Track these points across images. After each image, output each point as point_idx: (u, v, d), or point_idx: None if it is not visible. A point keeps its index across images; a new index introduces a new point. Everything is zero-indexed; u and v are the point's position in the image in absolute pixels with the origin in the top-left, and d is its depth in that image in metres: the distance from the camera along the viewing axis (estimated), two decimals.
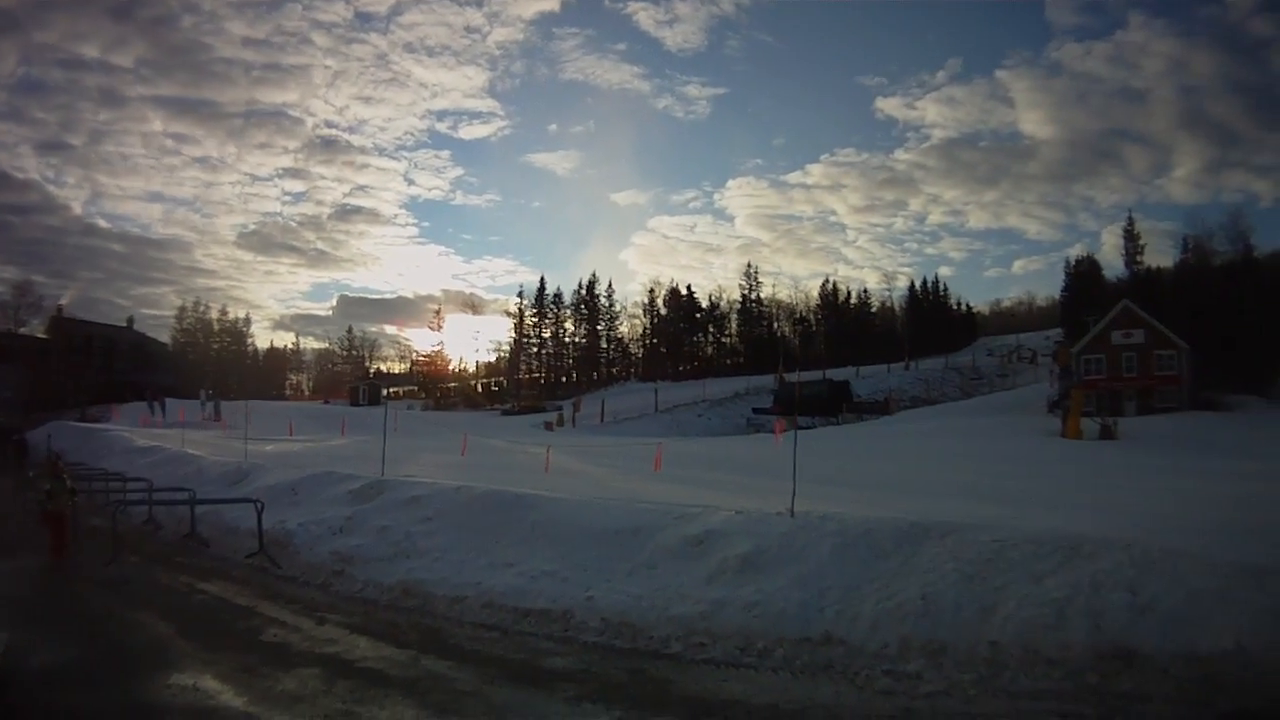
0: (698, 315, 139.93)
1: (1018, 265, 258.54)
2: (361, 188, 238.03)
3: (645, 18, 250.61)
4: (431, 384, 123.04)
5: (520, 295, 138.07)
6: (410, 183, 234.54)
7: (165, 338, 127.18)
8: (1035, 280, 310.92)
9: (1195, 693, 7.60)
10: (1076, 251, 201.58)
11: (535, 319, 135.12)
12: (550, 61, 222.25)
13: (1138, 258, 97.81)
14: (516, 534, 13.78)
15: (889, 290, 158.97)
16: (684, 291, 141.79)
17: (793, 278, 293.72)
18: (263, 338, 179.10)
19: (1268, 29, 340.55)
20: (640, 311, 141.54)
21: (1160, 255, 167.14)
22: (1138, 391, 63.73)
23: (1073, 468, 29.63)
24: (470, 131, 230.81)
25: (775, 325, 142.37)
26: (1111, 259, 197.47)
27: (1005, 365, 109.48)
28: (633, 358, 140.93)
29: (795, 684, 8.55)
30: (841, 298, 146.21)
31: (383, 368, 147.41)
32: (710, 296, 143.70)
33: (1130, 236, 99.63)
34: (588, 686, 8.60)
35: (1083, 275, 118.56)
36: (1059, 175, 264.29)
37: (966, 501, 16.97)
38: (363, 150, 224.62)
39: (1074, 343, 70.34)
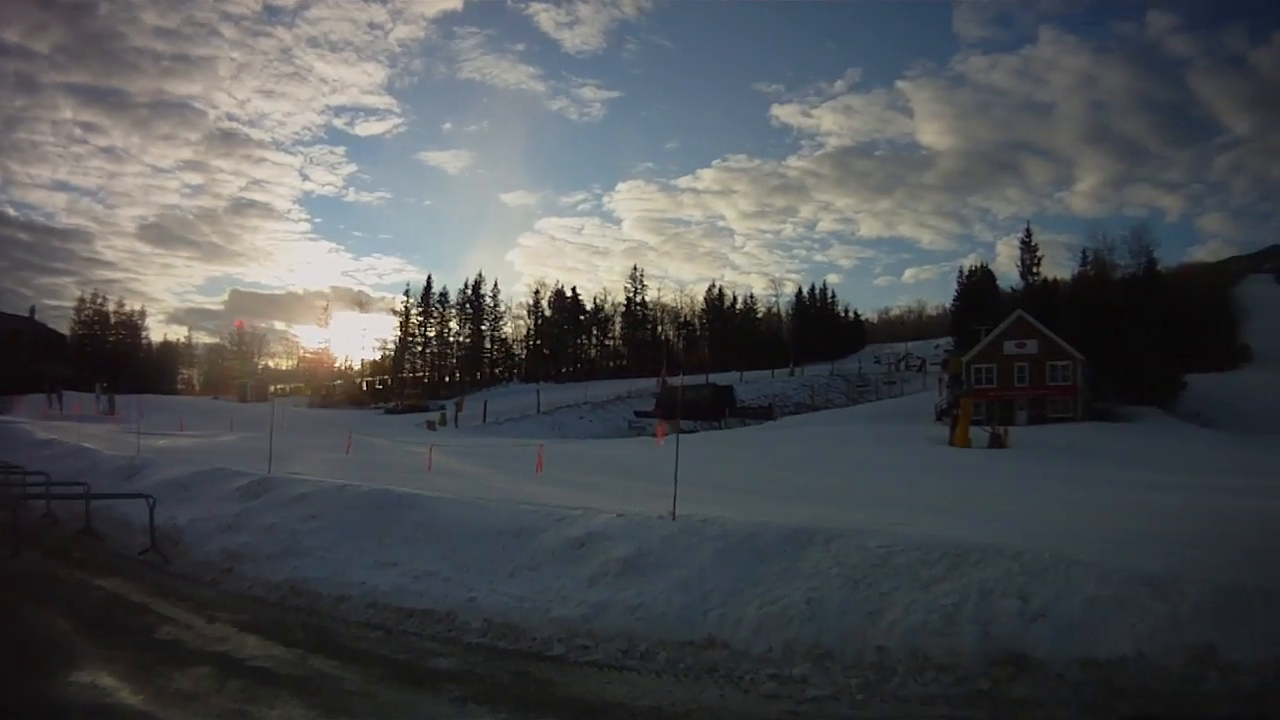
0: (582, 317, 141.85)
1: (908, 274, 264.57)
2: (258, 182, 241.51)
3: (546, 19, 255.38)
4: (318, 381, 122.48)
5: (407, 293, 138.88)
6: (305, 178, 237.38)
7: (65, 329, 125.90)
8: (926, 289, 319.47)
9: (1094, 698, 7.78)
10: (970, 262, 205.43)
11: (421, 318, 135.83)
12: (449, 60, 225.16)
13: (1035, 269, 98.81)
14: (399, 533, 13.85)
15: (776, 296, 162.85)
16: (569, 293, 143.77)
17: (679, 282, 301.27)
18: (157, 331, 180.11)
19: (1187, 48, 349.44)
20: (525, 312, 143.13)
21: (1058, 267, 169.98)
22: (1030, 401, 65.01)
23: (960, 475, 30.00)
24: (366, 128, 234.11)
25: (659, 329, 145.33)
26: (1007, 270, 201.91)
27: (893, 373, 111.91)
28: (516, 358, 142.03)
29: (679, 687, 8.60)
30: (727, 303, 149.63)
31: (271, 364, 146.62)
32: (595, 299, 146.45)
33: (1028, 248, 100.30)
34: (473, 687, 8.65)
35: (976, 285, 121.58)
36: (956, 186, 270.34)
37: (851, 508, 17.12)
38: (260, 144, 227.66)
39: (965, 352, 71.54)
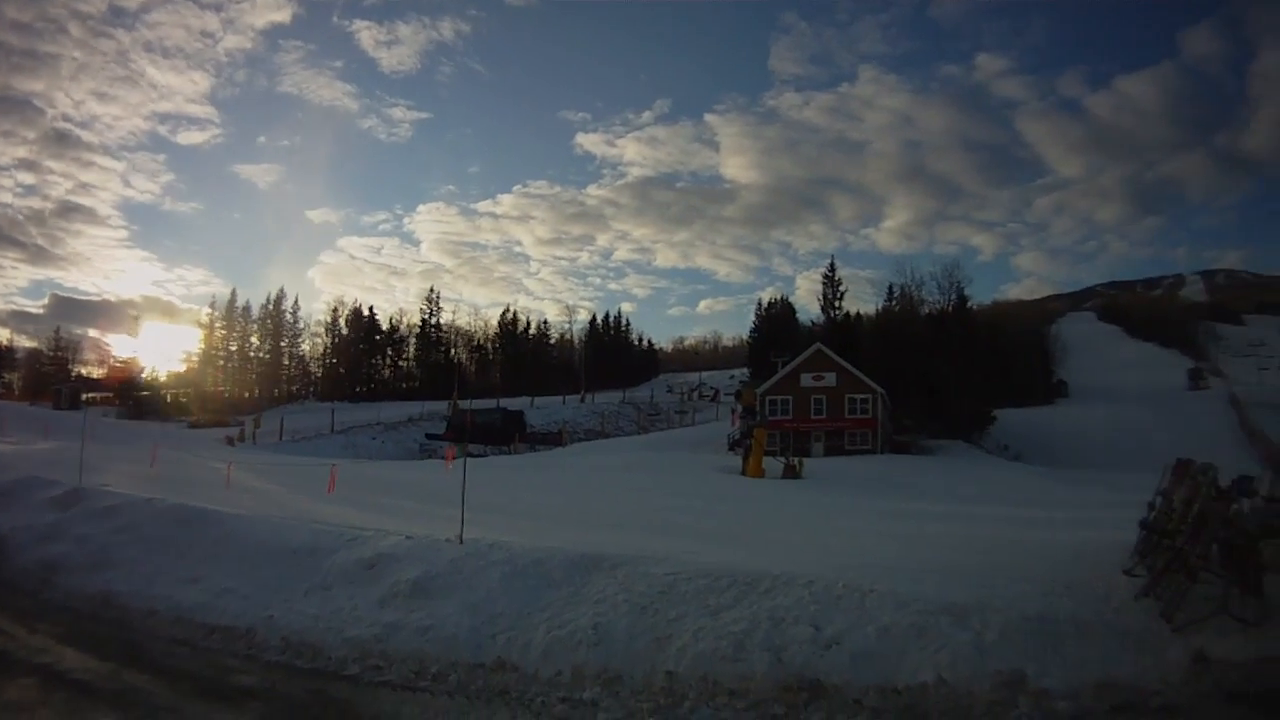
0: (377, 337, 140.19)
1: (704, 305, 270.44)
2: (84, 186, 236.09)
3: (367, 36, 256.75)
4: (126, 391, 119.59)
5: (212, 306, 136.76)
6: (127, 184, 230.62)
7: None
8: (722, 320, 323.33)
9: None
10: (769, 294, 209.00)
11: (224, 331, 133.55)
12: (271, 73, 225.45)
13: (837, 303, 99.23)
14: (201, 549, 13.84)
15: (569, 323, 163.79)
16: (366, 313, 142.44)
17: (473, 305, 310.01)
18: None
19: (1017, 91, 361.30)
20: (323, 330, 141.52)
21: (862, 302, 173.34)
22: (827, 433, 64.71)
23: (751, 505, 29.74)
24: (187, 137, 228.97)
25: (453, 351, 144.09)
26: (808, 303, 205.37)
27: (685, 402, 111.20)
28: (313, 376, 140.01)
29: (471, 709, 8.79)
30: (521, 328, 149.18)
31: (84, 372, 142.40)
32: (391, 319, 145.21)
33: (830, 282, 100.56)
34: (274, 705, 8.84)
35: (775, 317, 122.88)
36: (757, 220, 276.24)
37: (638, 535, 17.21)
38: (90, 147, 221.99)
39: (761, 383, 70.93)
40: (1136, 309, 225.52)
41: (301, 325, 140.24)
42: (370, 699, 9.09)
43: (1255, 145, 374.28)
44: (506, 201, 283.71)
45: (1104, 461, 62.42)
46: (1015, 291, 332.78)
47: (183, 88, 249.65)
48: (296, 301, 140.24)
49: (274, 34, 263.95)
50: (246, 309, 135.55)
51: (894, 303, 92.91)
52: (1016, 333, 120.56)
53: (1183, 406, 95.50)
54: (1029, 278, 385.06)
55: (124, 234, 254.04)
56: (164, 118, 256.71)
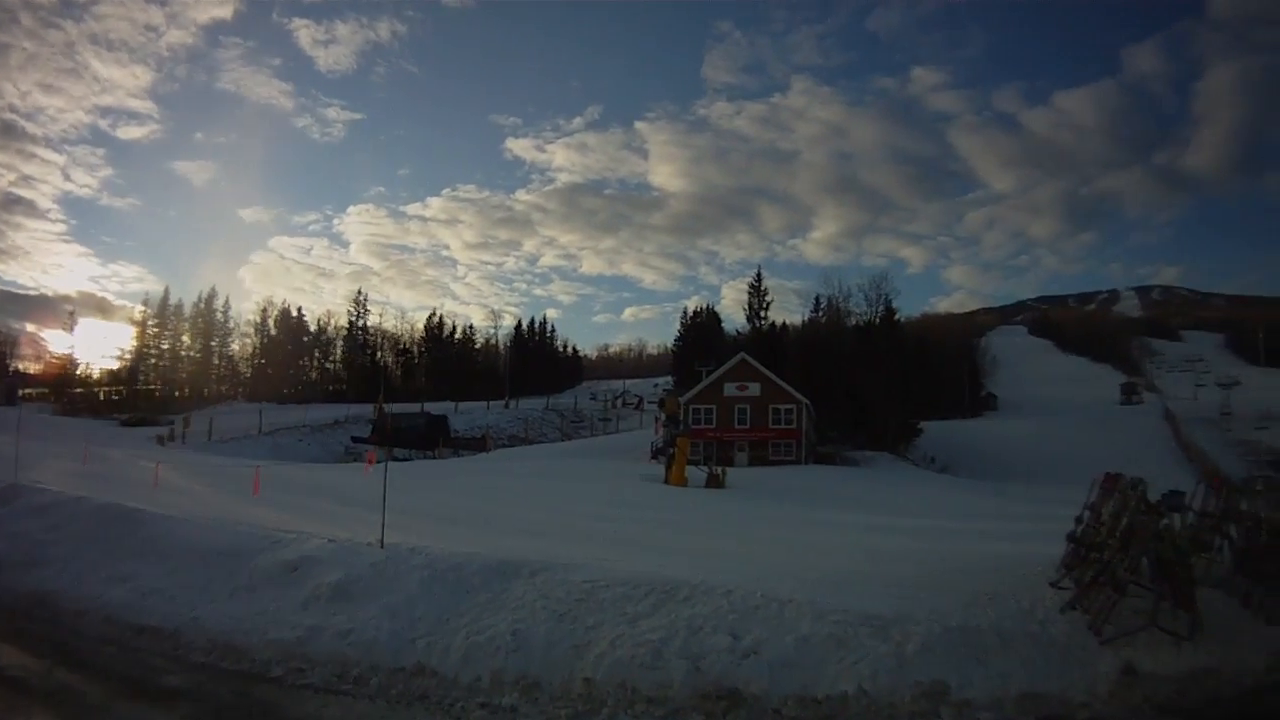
0: (305, 339, 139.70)
1: (629, 312, 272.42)
2: (26, 178, 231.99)
3: (305, 35, 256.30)
4: (61, 388, 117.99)
5: (145, 304, 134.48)
6: (67, 178, 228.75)
7: None
8: (647, 328, 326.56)
9: None
10: (695, 303, 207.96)
11: (157, 329, 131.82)
12: (211, 69, 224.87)
13: (763, 313, 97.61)
14: (130, 548, 13.82)
15: (495, 328, 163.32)
16: (294, 313, 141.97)
17: (400, 308, 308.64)
18: None
19: (952, 105, 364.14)
20: (252, 331, 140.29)
21: (789, 313, 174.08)
22: (751, 443, 64.51)
23: (673, 514, 29.24)
24: (127, 132, 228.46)
25: (379, 354, 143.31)
26: (733, 313, 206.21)
27: (608, 410, 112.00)
28: (242, 376, 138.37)
29: (392, 713, 8.81)
30: (447, 332, 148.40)
31: (20, 367, 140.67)
32: (319, 320, 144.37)
33: (756, 291, 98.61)
34: (202, 706, 8.85)
35: (700, 326, 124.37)
36: (684, 228, 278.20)
37: (558, 542, 17.15)
38: (34, 139, 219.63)
39: (685, 392, 70.79)
40: (1069, 323, 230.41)
41: (232, 325, 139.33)
42: (294, 701, 9.08)
43: (1196, 163, 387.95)
44: (435, 205, 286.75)
45: (1032, 475, 62.75)
46: (944, 305, 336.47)
47: (125, 82, 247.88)
48: (227, 301, 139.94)
49: (215, 30, 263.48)
50: (179, 307, 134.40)
51: (820, 314, 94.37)
52: (945, 346, 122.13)
53: (1115, 421, 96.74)
54: (959, 291, 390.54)
55: (63, 228, 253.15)
56: (105, 111, 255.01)
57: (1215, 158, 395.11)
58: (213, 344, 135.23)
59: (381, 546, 12.56)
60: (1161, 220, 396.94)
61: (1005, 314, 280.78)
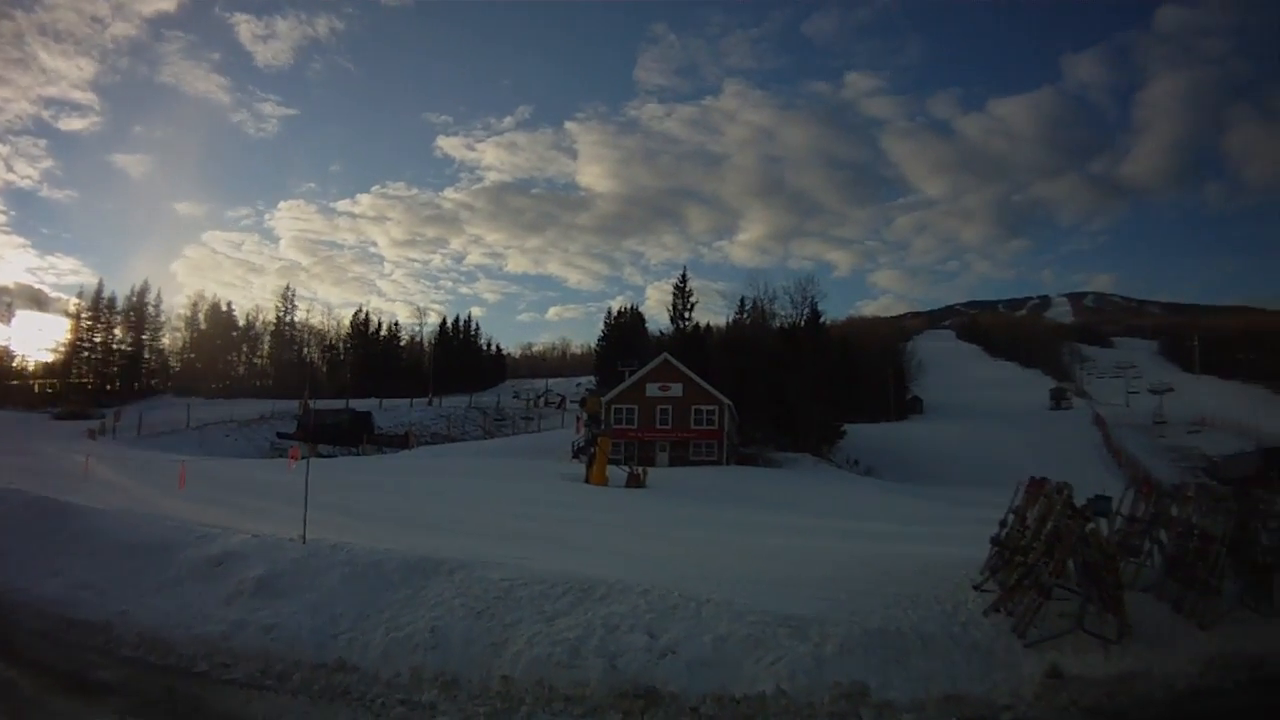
0: (234, 334, 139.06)
1: (553, 311, 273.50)
2: None
3: (245, 30, 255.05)
4: None
5: (80, 296, 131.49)
6: (9, 169, 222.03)
7: None
8: (571, 328, 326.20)
9: None
10: (619, 303, 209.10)
11: (90, 322, 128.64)
12: (153, 62, 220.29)
13: (687, 314, 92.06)
14: (60, 542, 13.92)
15: (420, 325, 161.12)
16: (224, 308, 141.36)
17: (327, 305, 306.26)
18: None
19: (886, 111, 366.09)
20: (183, 325, 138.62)
21: (713, 314, 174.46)
22: (672, 443, 63.94)
23: (592, 513, 28.80)
24: (69, 124, 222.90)
25: (306, 350, 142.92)
26: (658, 314, 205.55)
27: (531, 409, 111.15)
28: (171, 371, 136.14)
29: (315, 709, 8.81)
30: (372, 329, 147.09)
31: None
32: (248, 316, 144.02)
33: (681, 292, 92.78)
34: (132, 700, 8.83)
35: (624, 326, 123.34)
36: (610, 229, 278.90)
37: (478, 539, 16.99)
38: None
39: (608, 391, 70.25)
40: (998, 329, 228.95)
41: (164, 319, 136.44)
42: (220, 696, 9.10)
43: (1135, 172, 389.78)
44: (365, 201, 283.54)
45: (958, 478, 63.22)
46: (871, 309, 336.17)
47: (69, 73, 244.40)
48: (159, 295, 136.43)
49: (159, 23, 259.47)
50: (112, 300, 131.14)
51: (745, 315, 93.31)
52: (871, 349, 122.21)
53: (1044, 426, 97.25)
54: (886, 295, 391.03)
55: (2, 219, 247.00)
56: (49, 102, 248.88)
57: (1154, 167, 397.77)
58: (144, 338, 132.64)
59: (304, 542, 12.64)
60: (1095, 227, 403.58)
61: (933, 319, 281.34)
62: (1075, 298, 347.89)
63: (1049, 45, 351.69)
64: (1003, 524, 11.94)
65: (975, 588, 11.10)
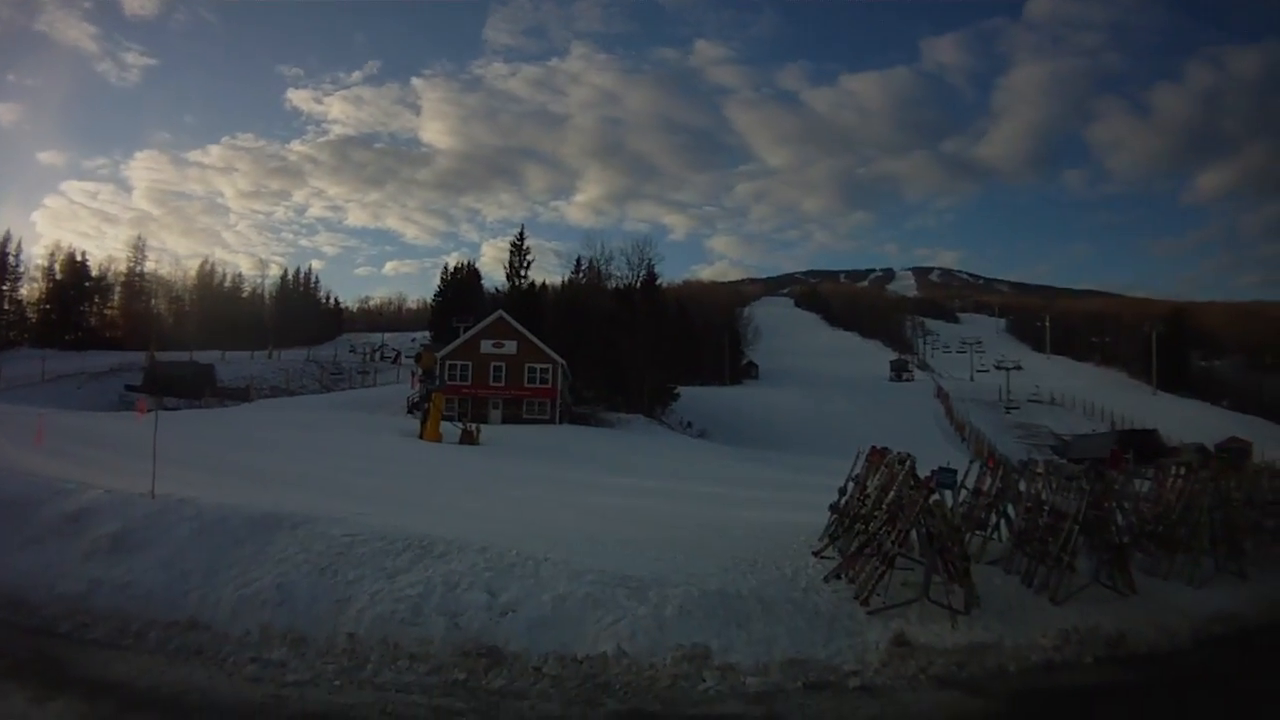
0: (87, 284, 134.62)
1: (390, 266, 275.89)
2: None
3: None
4: None
5: None
6: None
7: None
8: (407, 283, 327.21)
9: (578, 692, 8.15)
10: (455, 260, 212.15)
11: None
12: (30, 11, 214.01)
13: (523, 272, 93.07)
14: None
15: (262, 278, 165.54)
16: (79, 259, 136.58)
17: (175, 255, 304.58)
18: None
19: (733, 80, 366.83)
20: (40, 275, 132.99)
21: (549, 273, 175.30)
22: (505, 401, 64.58)
23: (427, 469, 28.85)
24: None
25: (154, 302, 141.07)
26: (494, 271, 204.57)
27: (367, 363, 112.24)
28: (29, 322, 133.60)
29: (170, 668, 8.64)
30: (217, 280, 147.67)
31: None
32: (100, 266, 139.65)
33: (518, 250, 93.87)
34: (5, 662, 8.55)
35: (460, 283, 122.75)
36: (449, 185, 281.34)
37: (317, 494, 16.85)
38: None
39: (442, 347, 70.64)
40: (838, 298, 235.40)
41: (23, 270, 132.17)
42: (83, 657, 8.90)
43: (989, 154, 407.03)
44: (215, 152, 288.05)
45: (795, 444, 64.33)
46: (708, 273, 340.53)
47: None
48: (20, 244, 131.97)
49: None
50: None
51: (581, 275, 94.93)
52: (708, 313, 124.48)
53: (884, 396, 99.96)
54: (723, 260, 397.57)
55: None
56: None
57: (1010, 151, 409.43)
58: (4, 288, 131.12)
59: (154, 498, 12.37)
60: (943, 205, 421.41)
61: (772, 286, 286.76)
62: (920, 272, 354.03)
63: (909, 26, 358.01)
64: (842, 491, 12.33)
65: (815, 554, 11.47)
